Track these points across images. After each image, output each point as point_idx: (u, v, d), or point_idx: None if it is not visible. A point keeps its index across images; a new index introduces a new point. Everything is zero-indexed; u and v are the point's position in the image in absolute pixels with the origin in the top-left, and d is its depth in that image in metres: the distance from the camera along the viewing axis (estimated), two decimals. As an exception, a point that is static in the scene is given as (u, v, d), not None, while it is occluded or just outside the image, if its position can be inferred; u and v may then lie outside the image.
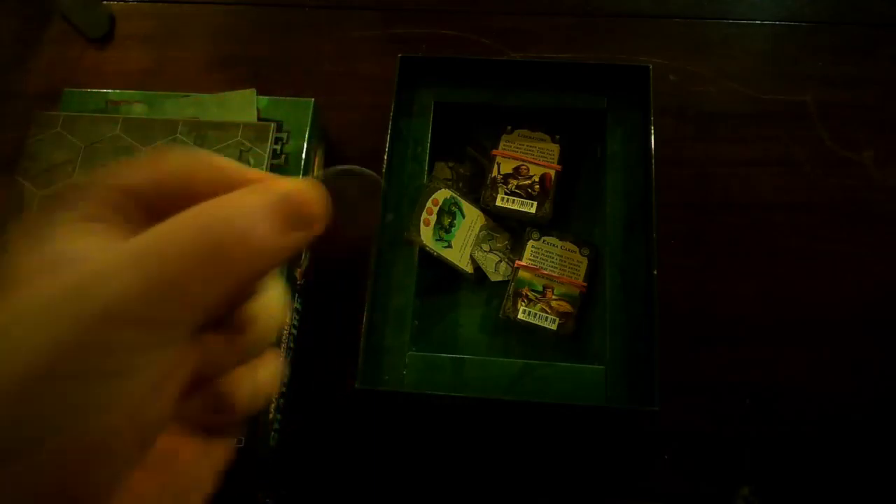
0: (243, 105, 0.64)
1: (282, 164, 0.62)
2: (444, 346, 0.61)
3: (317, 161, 0.66)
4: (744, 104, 0.72)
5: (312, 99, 0.65)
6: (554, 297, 0.62)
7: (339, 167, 0.25)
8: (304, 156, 0.62)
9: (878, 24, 0.76)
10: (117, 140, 0.61)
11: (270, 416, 0.56)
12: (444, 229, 0.63)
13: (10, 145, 0.65)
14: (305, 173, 0.62)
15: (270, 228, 0.21)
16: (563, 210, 0.65)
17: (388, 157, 0.62)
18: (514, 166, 0.66)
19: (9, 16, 0.81)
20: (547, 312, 0.61)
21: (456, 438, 0.61)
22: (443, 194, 0.64)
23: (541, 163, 0.66)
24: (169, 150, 0.23)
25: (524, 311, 0.61)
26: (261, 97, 0.64)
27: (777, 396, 0.61)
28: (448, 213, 0.64)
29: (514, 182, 0.65)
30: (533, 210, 0.64)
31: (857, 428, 0.60)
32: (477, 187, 0.67)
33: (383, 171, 0.61)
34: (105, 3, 0.80)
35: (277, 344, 0.56)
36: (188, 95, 0.65)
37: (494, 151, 0.67)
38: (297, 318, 0.61)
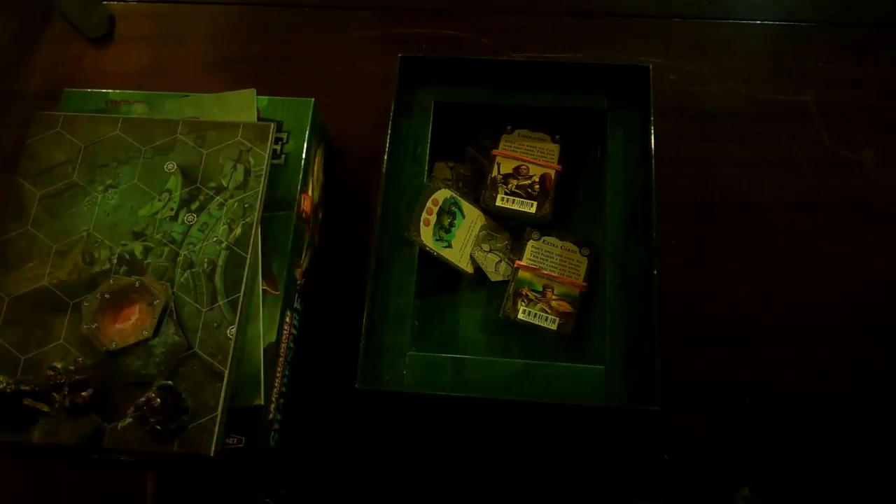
0: (243, 105, 0.64)
1: (281, 164, 0.62)
2: (444, 346, 0.61)
3: (317, 161, 0.66)
4: (744, 104, 0.72)
5: (312, 99, 0.65)
6: (554, 297, 0.62)
7: None
8: (303, 156, 0.62)
9: (878, 24, 0.76)
10: (117, 140, 0.61)
11: (270, 416, 0.56)
12: (444, 229, 0.63)
13: (10, 145, 0.65)
14: (305, 173, 0.62)
15: None
16: (563, 210, 0.65)
17: (388, 157, 0.62)
18: (514, 166, 0.66)
19: (8, 15, 0.81)
20: (547, 312, 0.61)
21: (456, 438, 0.61)
22: (443, 194, 0.64)
23: (541, 163, 0.66)
24: None
25: (524, 311, 0.61)
26: (261, 97, 0.64)
27: (777, 396, 0.61)
28: (448, 213, 0.64)
29: (514, 182, 0.65)
30: (533, 210, 0.64)
31: (857, 428, 0.60)
32: (477, 187, 0.67)
33: (383, 171, 0.61)
34: (105, 3, 0.80)
35: (279, 345, 0.56)
36: (188, 95, 0.65)
37: (494, 151, 0.67)
38: (297, 318, 0.61)
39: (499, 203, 0.65)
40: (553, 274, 0.62)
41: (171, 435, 0.50)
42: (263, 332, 0.56)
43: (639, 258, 0.60)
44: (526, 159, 0.66)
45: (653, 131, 0.61)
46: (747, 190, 0.69)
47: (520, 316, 0.61)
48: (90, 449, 0.52)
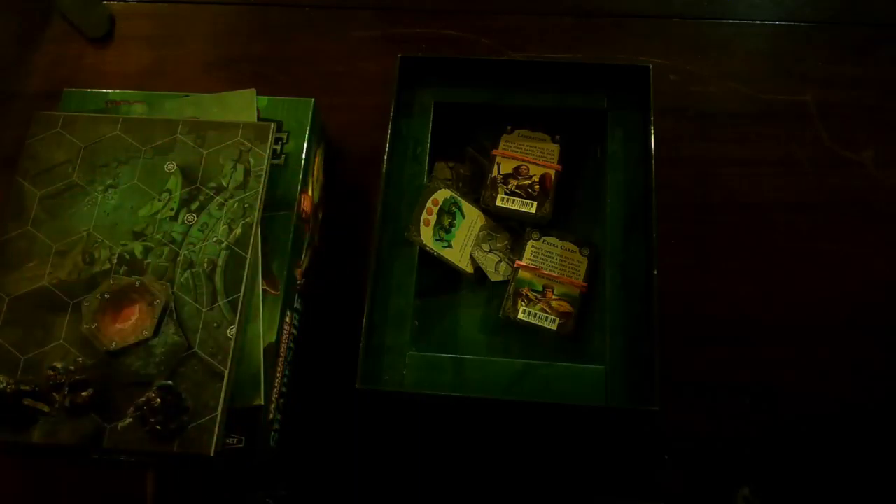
0: (243, 105, 0.64)
1: (281, 164, 0.62)
2: (444, 346, 0.61)
3: (317, 161, 0.66)
4: (744, 104, 0.72)
5: (312, 99, 0.65)
6: (554, 297, 0.62)
7: None
8: (303, 156, 0.62)
9: (878, 24, 0.76)
10: (117, 140, 0.61)
11: (270, 416, 0.56)
12: (444, 229, 0.63)
13: (10, 145, 0.65)
14: (305, 173, 0.62)
15: None
16: (563, 210, 0.65)
17: (388, 157, 0.62)
18: (514, 166, 0.66)
19: (8, 15, 0.81)
20: (547, 312, 0.61)
21: (456, 438, 0.61)
22: (443, 194, 0.64)
23: (541, 163, 0.66)
24: None
25: (524, 311, 0.61)
26: (261, 97, 0.64)
27: (777, 396, 0.61)
28: (448, 213, 0.64)
29: (514, 182, 0.65)
30: (533, 210, 0.64)
31: (857, 428, 0.60)
32: (477, 187, 0.67)
33: (383, 171, 0.61)
34: (105, 3, 0.80)
35: (279, 344, 0.56)
36: (188, 95, 0.65)
37: (494, 151, 0.67)
38: (297, 318, 0.61)
39: (499, 203, 0.65)
40: (553, 274, 0.62)
41: (171, 435, 0.50)
42: (263, 332, 0.56)
43: (639, 258, 0.60)
44: (526, 159, 0.66)
45: (653, 131, 0.61)
46: (747, 190, 0.69)
47: (520, 316, 0.61)
48: (90, 449, 0.52)
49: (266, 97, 0.64)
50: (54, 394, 0.52)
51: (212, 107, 0.64)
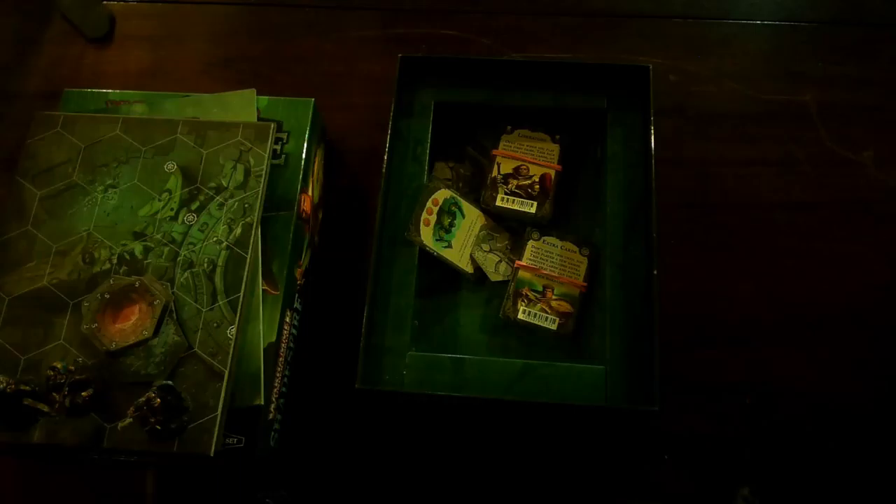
0: (243, 105, 0.64)
1: (281, 164, 0.62)
2: (444, 346, 0.61)
3: (317, 161, 0.66)
4: (744, 104, 0.72)
5: (312, 99, 0.65)
6: (554, 297, 0.62)
7: None
8: (303, 156, 0.62)
9: (878, 24, 0.76)
10: (117, 140, 0.61)
11: (270, 416, 0.56)
12: (444, 229, 0.63)
13: (10, 145, 0.65)
14: (305, 173, 0.62)
15: None
16: (563, 210, 0.65)
17: (388, 157, 0.62)
18: (514, 166, 0.66)
19: (8, 15, 0.81)
20: (547, 312, 0.61)
21: (456, 438, 0.61)
22: (443, 194, 0.64)
23: (541, 163, 0.66)
24: None
25: (524, 311, 0.61)
26: (261, 97, 0.64)
27: (777, 396, 0.61)
28: (448, 213, 0.64)
29: (514, 182, 0.65)
30: (533, 210, 0.64)
31: (857, 428, 0.60)
32: (477, 187, 0.67)
33: (383, 171, 0.61)
34: (105, 3, 0.80)
35: (279, 344, 0.56)
36: (188, 95, 0.65)
37: (494, 151, 0.67)
38: (297, 318, 0.61)
39: (499, 203, 0.65)
40: (553, 274, 0.62)
41: (171, 435, 0.50)
42: (263, 332, 0.56)
43: (639, 258, 0.60)
44: (526, 159, 0.66)
45: (653, 131, 0.61)
46: (747, 190, 0.69)
47: (520, 316, 0.61)
48: (90, 449, 0.52)
49: (266, 97, 0.64)
50: (54, 394, 0.52)
51: (212, 107, 0.64)
